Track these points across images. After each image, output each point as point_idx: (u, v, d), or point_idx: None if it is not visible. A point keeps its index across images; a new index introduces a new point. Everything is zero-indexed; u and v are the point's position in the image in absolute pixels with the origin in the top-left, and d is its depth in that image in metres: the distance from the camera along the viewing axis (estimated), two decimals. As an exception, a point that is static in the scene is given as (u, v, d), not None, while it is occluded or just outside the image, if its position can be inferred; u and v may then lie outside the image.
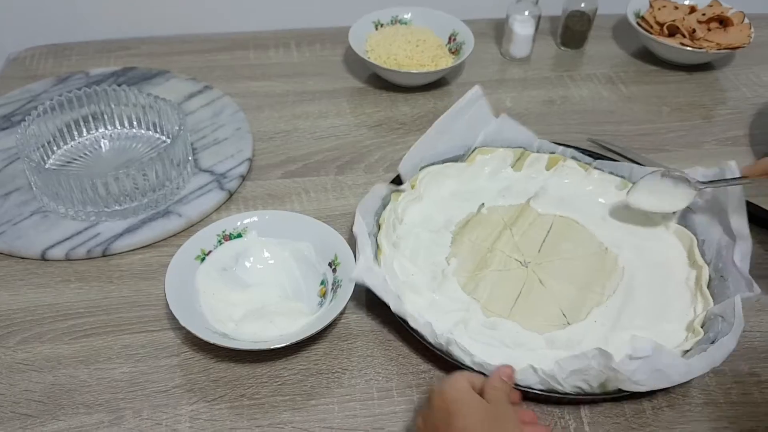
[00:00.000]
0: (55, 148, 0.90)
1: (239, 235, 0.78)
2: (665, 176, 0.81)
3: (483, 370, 0.66)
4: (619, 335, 0.71)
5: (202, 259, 0.76)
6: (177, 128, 0.86)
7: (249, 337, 0.70)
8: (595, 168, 0.89)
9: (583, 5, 1.12)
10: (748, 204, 0.78)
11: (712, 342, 0.67)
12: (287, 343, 0.67)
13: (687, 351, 0.69)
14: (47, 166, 0.88)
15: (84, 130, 0.92)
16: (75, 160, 0.90)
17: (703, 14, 1.13)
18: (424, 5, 1.12)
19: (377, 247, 0.77)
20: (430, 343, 0.69)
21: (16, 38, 1.13)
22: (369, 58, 1.05)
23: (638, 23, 1.14)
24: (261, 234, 0.79)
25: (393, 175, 0.87)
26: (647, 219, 0.84)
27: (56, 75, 1.04)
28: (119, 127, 0.94)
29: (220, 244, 0.77)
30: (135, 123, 0.94)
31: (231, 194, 0.88)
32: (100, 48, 1.13)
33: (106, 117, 0.93)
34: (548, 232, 0.83)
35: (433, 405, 0.58)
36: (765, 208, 0.86)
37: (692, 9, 1.15)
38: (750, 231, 0.76)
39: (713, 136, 1.02)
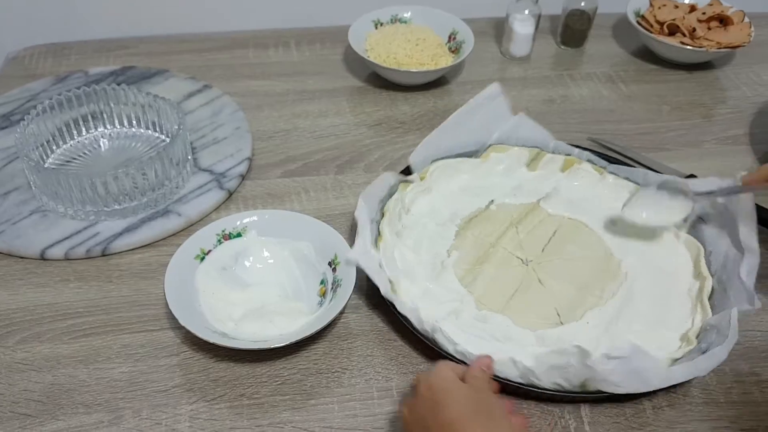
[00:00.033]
0: (54, 147, 0.90)
1: (239, 235, 0.78)
2: (661, 188, 0.80)
3: (465, 360, 0.67)
4: (610, 338, 0.70)
5: (202, 259, 0.76)
6: (176, 127, 0.86)
7: (249, 337, 0.70)
8: (610, 173, 0.88)
9: (583, 4, 1.12)
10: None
11: (703, 352, 0.67)
12: (287, 343, 0.67)
13: (677, 360, 0.68)
14: (46, 165, 0.88)
15: (83, 129, 0.92)
16: (74, 159, 0.90)
17: (704, 13, 1.13)
18: (423, 4, 1.12)
19: (378, 233, 0.78)
20: (417, 330, 0.70)
21: (15, 37, 1.13)
22: (369, 57, 1.05)
23: (638, 22, 1.14)
24: (261, 233, 0.78)
25: (393, 175, 0.87)
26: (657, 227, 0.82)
27: (55, 74, 1.04)
28: (118, 126, 0.94)
29: (220, 243, 0.77)
30: (134, 122, 0.94)
31: (230, 193, 0.88)
32: (99, 47, 1.13)
33: (105, 116, 0.93)
34: (554, 232, 0.83)
35: (419, 395, 0.58)
36: (766, 207, 0.85)
37: (692, 8, 1.15)
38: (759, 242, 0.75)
39: (713, 135, 1.02)
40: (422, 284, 0.75)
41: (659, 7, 1.14)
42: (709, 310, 0.73)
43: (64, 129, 0.90)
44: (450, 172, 0.87)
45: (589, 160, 0.89)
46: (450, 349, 0.68)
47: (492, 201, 0.86)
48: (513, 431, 0.56)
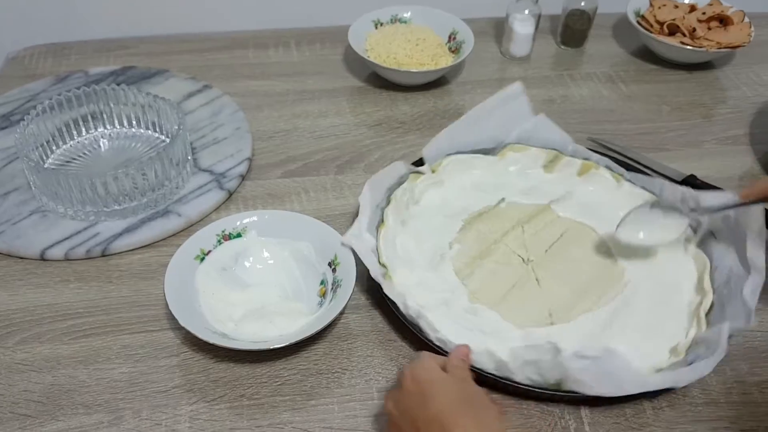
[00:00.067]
0: (54, 148, 0.90)
1: (239, 235, 0.78)
2: (655, 207, 0.79)
3: (444, 347, 0.68)
4: (598, 343, 0.69)
5: (202, 259, 0.76)
6: (176, 128, 0.86)
7: (249, 337, 0.70)
8: (627, 180, 0.87)
9: (583, 4, 1.12)
10: None
11: (689, 365, 0.66)
12: (287, 343, 0.67)
13: (660, 370, 0.68)
14: (46, 165, 0.88)
15: (83, 129, 0.92)
16: (74, 159, 0.90)
17: (704, 13, 1.13)
18: (423, 4, 1.12)
19: (381, 220, 0.78)
20: (402, 315, 0.70)
21: (15, 37, 1.13)
22: (369, 57, 1.05)
23: (638, 22, 1.14)
24: (260, 234, 0.78)
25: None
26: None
27: (55, 74, 1.04)
28: (118, 127, 0.94)
29: (220, 243, 0.77)
30: (134, 122, 0.94)
31: (230, 194, 0.88)
32: (99, 47, 1.13)
33: (105, 116, 0.93)
34: (561, 235, 0.82)
35: (404, 388, 0.58)
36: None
37: (692, 8, 1.15)
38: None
39: (713, 135, 1.01)
40: (419, 273, 0.76)
41: (659, 7, 1.14)
42: (705, 326, 0.71)
43: (64, 129, 0.90)
44: (464, 168, 0.87)
45: (607, 166, 0.88)
46: (431, 336, 0.69)
47: (503, 199, 0.86)
48: (499, 419, 0.57)
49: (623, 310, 0.74)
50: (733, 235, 0.77)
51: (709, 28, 1.12)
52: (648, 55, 1.16)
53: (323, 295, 0.74)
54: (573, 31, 1.15)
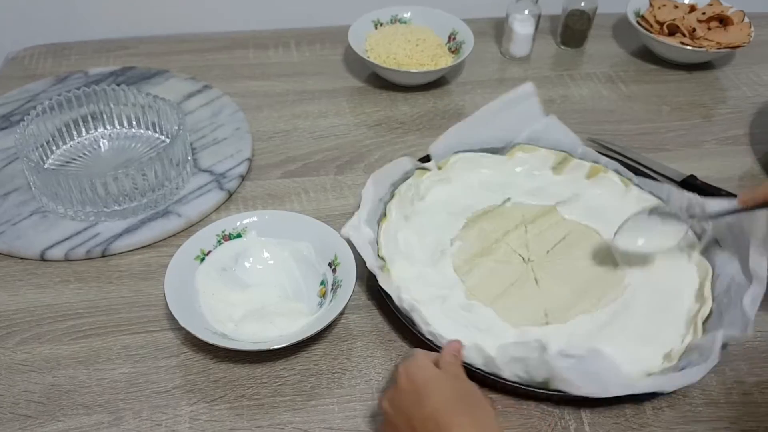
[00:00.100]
0: (54, 148, 0.90)
1: (239, 235, 0.78)
2: (653, 213, 0.78)
3: (435, 340, 0.68)
4: (590, 345, 0.68)
5: (202, 260, 0.76)
6: (176, 128, 0.86)
7: (249, 338, 0.70)
8: (635, 185, 0.86)
9: (583, 4, 1.12)
10: None
11: (680, 371, 0.66)
12: (287, 344, 0.67)
13: (650, 375, 0.67)
14: (46, 166, 0.88)
15: (83, 129, 0.92)
16: (74, 160, 0.90)
17: (703, 13, 1.13)
18: (423, 4, 1.12)
19: (384, 214, 0.79)
20: (396, 308, 0.71)
21: (15, 38, 1.13)
22: (368, 57, 1.05)
23: (638, 22, 1.14)
24: (260, 234, 0.78)
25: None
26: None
27: (55, 74, 1.04)
28: (118, 127, 0.94)
29: (220, 244, 0.77)
30: (134, 123, 0.94)
31: (230, 194, 0.88)
32: (99, 47, 1.13)
33: (105, 117, 0.93)
34: (564, 237, 0.82)
35: (399, 387, 0.58)
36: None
37: (692, 8, 1.15)
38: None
39: (713, 135, 1.01)
40: (418, 267, 0.77)
41: (659, 8, 1.14)
42: (701, 333, 0.71)
43: (64, 130, 0.90)
44: (471, 166, 0.88)
45: (616, 170, 0.87)
46: (423, 329, 0.69)
47: (509, 198, 0.86)
48: (494, 417, 0.57)
49: (621, 314, 0.74)
50: (737, 244, 0.75)
51: (709, 28, 1.12)
52: (648, 55, 1.16)
53: (323, 295, 0.74)
54: (573, 31, 1.15)
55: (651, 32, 1.12)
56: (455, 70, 1.10)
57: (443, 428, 0.54)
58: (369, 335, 0.73)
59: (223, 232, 0.78)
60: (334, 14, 1.18)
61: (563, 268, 0.79)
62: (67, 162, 0.89)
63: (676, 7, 1.14)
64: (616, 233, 0.78)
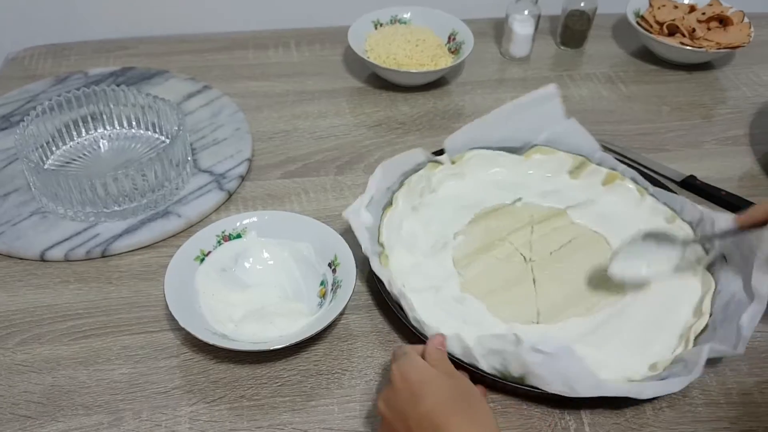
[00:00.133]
0: (54, 149, 0.90)
1: (239, 236, 0.78)
2: (648, 238, 0.76)
3: (419, 327, 0.68)
4: (578, 349, 0.66)
5: (202, 260, 0.76)
6: (176, 128, 0.86)
7: (249, 338, 0.70)
8: (650, 195, 0.85)
9: (582, 4, 1.12)
10: None
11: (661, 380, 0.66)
12: (287, 344, 0.67)
13: (631, 381, 0.66)
14: (46, 166, 0.88)
15: (83, 130, 0.92)
16: (74, 160, 0.90)
17: (703, 13, 1.13)
18: (423, 5, 1.12)
19: (390, 202, 0.80)
20: (387, 293, 0.71)
21: (14, 38, 1.13)
22: (368, 57, 1.05)
23: (638, 22, 1.14)
24: (260, 234, 0.78)
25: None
26: None
27: (55, 75, 1.04)
28: (118, 128, 0.94)
29: (220, 244, 0.77)
30: (134, 123, 0.94)
31: (230, 194, 0.88)
32: (99, 48, 1.13)
33: (105, 117, 0.93)
34: (570, 240, 0.82)
35: (394, 387, 0.58)
36: None
37: (692, 8, 1.15)
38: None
39: (713, 135, 1.01)
40: (417, 257, 0.77)
41: (659, 8, 1.14)
42: (691, 346, 0.70)
43: (64, 130, 0.90)
44: (487, 163, 0.88)
45: (632, 178, 0.86)
46: (409, 314, 0.70)
47: (520, 198, 0.86)
48: (490, 415, 0.57)
49: (615, 321, 0.73)
50: (743, 261, 0.74)
51: (709, 29, 1.12)
52: (648, 55, 1.16)
53: (323, 295, 0.74)
54: (573, 31, 1.15)
55: (651, 32, 1.12)
56: (455, 70, 1.10)
57: (439, 427, 0.54)
58: (369, 335, 0.73)
59: (223, 232, 0.78)
60: (334, 14, 1.18)
61: (564, 271, 0.78)
62: (67, 162, 0.89)
63: (676, 7, 1.14)
64: (611, 261, 0.76)
